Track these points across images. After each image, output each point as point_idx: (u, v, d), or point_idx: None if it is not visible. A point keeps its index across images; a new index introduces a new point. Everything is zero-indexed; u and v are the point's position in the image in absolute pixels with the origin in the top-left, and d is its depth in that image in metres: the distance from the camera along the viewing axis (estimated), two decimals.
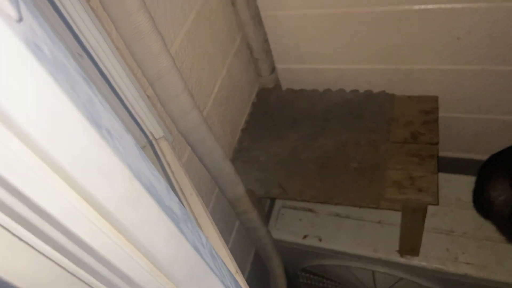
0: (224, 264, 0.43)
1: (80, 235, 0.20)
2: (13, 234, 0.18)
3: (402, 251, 1.18)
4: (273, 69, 1.34)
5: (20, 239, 0.19)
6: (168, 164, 0.84)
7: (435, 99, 1.16)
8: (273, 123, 1.27)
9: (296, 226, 1.37)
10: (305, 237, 1.33)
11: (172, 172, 0.82)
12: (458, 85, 1.18)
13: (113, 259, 0.22)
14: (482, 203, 1.10)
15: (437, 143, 1.06)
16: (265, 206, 1.50)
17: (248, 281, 1.48)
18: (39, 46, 0.16)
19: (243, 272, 1.40)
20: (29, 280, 0.20)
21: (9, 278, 0.19)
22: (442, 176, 1.27)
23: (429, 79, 1.19)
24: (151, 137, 0.91)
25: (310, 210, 1.39)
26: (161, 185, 0.27)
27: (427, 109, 1.15)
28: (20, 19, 0.16)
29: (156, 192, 0.25)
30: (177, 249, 0.27)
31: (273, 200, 1.50)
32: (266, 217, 1.43)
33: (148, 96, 0.86)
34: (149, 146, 0.89)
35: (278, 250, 1.34)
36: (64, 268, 0.21)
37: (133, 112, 0.86)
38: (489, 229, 1.13)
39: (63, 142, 0.17)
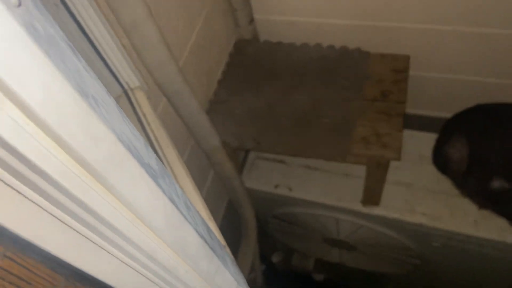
0: (198, 213, 0.47)
1: (72, 191, 0.23)
2: (13, 189, 0.21)
3: (364, 201, 1.27)
4: (251, 20, 1.33)
5: (21, 193, 0.21)
6: (144, 115, 0.86)
7: (406, 58, 1.19)
8: (250, 76, 1.28)
9: (268, 176, 1.43)
10: (276, 186, 1.40)
11: (148, 123, 0.84)
12: (430, 45, 1.21)
13: (100, 210, 0.25)
14: (440, 159, 1.18)
15: (404, 102, 1.11)
16: (239, 157, 1.55)
17: (222, 226, 1.56)
18: (34, 25, 0.18)
19: (216, 218, 1.47)
20: (30, 228, 0.23)
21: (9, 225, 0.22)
22: (408, 132, 1.34)
23: (403, 38, 1.21)
24: (126, 87, 0.91)
25: (282, 162, 1.45)
26: (140, 143, 0.30)
27: (399, 68, 1.19)
28: (19, 4, 0.17)
29: (137, 151, 0.27)
30: (156, 202, 0.30)
31: (247, 151, 1.55)
32: (240, 167, 1.48)
33: (123, 46, 0.85)
34: (125, 96, 0.90)
35: (250, 198, 1.41)
36: (61, 221, 0.24)
37: (108, 61, 0.86)
38: (445, 183, 1.22)
39: (58, 112, 0.20)
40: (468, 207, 1.19)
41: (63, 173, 0.21)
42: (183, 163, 0.77)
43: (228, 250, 0.67)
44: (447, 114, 1.27)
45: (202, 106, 1.18)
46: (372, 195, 1.25)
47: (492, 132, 1.07)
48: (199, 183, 1.29)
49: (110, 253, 0.30)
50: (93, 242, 0.28)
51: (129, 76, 0.91)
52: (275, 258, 2.09)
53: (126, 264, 0.32)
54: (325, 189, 1.34)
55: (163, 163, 0.77)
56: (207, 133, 1.06)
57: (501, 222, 1.16)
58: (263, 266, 1.90)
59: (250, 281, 1.88)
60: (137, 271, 0.34)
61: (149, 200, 0.29)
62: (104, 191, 0.25)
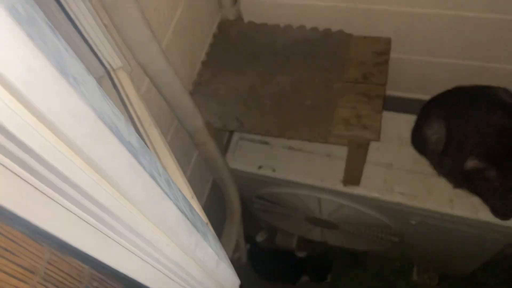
0: (180, 190, 0.48)
1: (55, 165, 0.24)
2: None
3: (345, 181, 1.30)
4: (235, 0, 1.32)
5: (5, 166, 0.23)
6: (127, 95, 0.86)
7: (388, 41, 1.21)
8: (233, 57, 1.29)
9: (252, 157, 1.45)
10: (260, 167, 1.42)
11: (131, 103, 0.84)
12: (412, 27, 1.23)
13: (81, 183, 0.27)
14: (418, 140, 1.22)
15: (384, 84, 1.13)
16: (223, 138, 1.56)
17: (206, 206, 1.59)
18: (16, 8, 0.19)
19: (201, 198, 1.49)
20: (14, 201, 0.25)
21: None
22: (388, 114, 1.37)
23: (385, 20, 1.22)
24: (108, 67, 0.91)
25: (266, 143, 1.47)
26: (121, 122, 0.31)
27: (380, 50, 1.20)
28: None
29: (117, 129, 0.28)
30: (136, 178, 0.31)
31: (231, 132, 1.56)
32: (224, 148, 1.50)
33: (105, 25, 0.85)
34: (107, 76, 0.90)
35: (235, 178, 1.43)
36: (43, 193, 0.26)
37: (90, 41, 0.85)
38: (423, 164, 1.27)
39: (39, 90, 0.21)
40: (444, 186, 1.23)
41: (44, 147, 0.23)
42: (165, 142, 0.78)
43: (210, 227, 0.70)
44: (427, 97, 1.30)
45: (186, 87, 1.18)
46: (352, 175, 1.28)
47: (468, 114, 1.11)
48: (183, 164, 1.30)
49: (92, 226, 0.31)
50: (75, 214, 0.29)
51: (111, 57, 0.91)
52: (259, 238, 2.13)
53: (108, 237, 0.33)
54: (307, 170, 1.37)
55: (145, 142, 0.78)
56: (190, 113, 1.07)
57: (475, 200, 1.21)
58: (248, 245, 1.94)
59: (235, 260, 1.93)
60: (119, 243, 0.35)
61: (129, 175, 0.30)
62: (85, 166, 0.26)
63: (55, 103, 0.22)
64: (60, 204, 0.27)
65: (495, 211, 1.18)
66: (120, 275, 0.46)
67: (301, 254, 2.00)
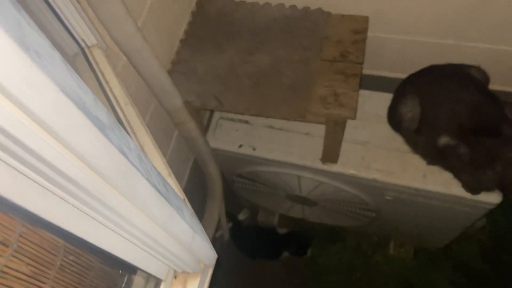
0: (153, 167, 0.49)
1: (18, 137, 0.25)
2: None
3: (324, 159, 1.33)
4: None
5: None
6: (102, 73, 0.85)
7: (365, 20, 1.22)
8: (212, 35, 1.28)
9: (232, 136, 1.46)
10: (240, 146, 1.44)
11: (106, 81, 0.84)
12: (389, 6, 1.24)
13: (49, 158, 0.27)
14: (394, 118, 1.24)
15: (361, 63, 1.15)
16: (204, 118, 1.56)
17: (188, 185, 1.60)
18: None
19: (182, 177, 1.50)
20: None
21: None
22: (365, 92, 1.39)
23: None
24: (83, 45, 0.90)
25: (246, 122, 1.47)
26: (88, 96, 0.31)
27: (358, 29, 1.21)
28: None
29: (83, 103, 0.29)
30: (103, 151, 0.32)
31: (211, 112, 1.56)
32: (205, 128, 1.50)
33: (78, 1, 0.83)
34: (82, 54, 0.89)
35: (216, 158, 1.44)
36: (11, 166, 0.26)
37: (63, 18, 0.84)
38: (399, 141, 1.30)
39: (1, 64, 0.21)
40: (418, 162, 1.27)
41: (5, 118, 0.23)
42: (142, 121, 0.78)
43: (187, 203, 0.71)
44: (404, 75, 1.32)
45: (164, 66, 1.17)
46: (330, 153, 1.31)
47: (441, 92, 1.13)
48: (164, 143, 1.30)
49: (61, 198, 0.32)
50: (42, 186, 0.30)
51: (85, 34, 0.89)
52: (241, 216, 2.16)
53: (78, 209, 0.34)
54: (287, 148, 1.39)
55: (121, 120, 0.78)
56: (169, 92, 1.07)
57: (447, 176, 1.25)
58: (230, 223, 1.97)
59: (217, 238, 1.96)
60: (90, 216, 0.36)
61: (96, 149, 0.31)
62: (49, 137, 0.27)
63: (13, 75, 0.22)
64: (27, 177, 0.28)
65: (466, 186, 1.22)
66: (96, 249, 0.47)
67: (282, 231, 2.04)
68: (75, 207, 0.34)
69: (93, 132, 0.30)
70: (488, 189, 1.19)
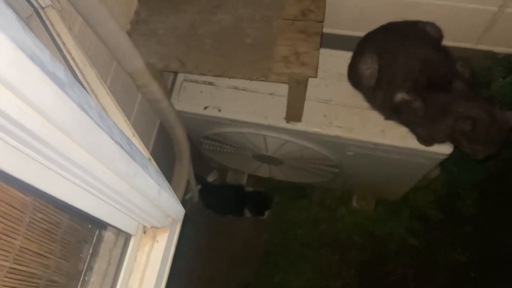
0: (115, 124, 0.50)
1: None
2: None
3: (288, 118, 1.37)
4: None
5: None
6: (58, 34, 0.83)
7: None
8: None
9: (197, 98, 1.46)
10: (205, 108, 1.44)
11: (63, 42, 0.82)
12: None
13: (11, 113, 0.28)
14: (353, 75, 1.28)
15: (322, 21, 1.16)
16: (168, 80, 1.55)
17: (155, 148, 1.60)
18: None
19: (148, 140, 1.50)
20: None
21: None
22: (327, 51, 1.42)
23: None
24: (36, 5, 0.86)
25: (211, 84, 1.48)
26: (44, 54, 0.32)
27: None
28: None
29: (40, 60, 0.30)
30: (63, 107, 0.33)
31: (175, 74, 1.55)
32: (169, 90, 1.49)
33: None
34: (36, 15, 0.85)
35: (181, 120, 1.45)
36: None
37: None
38: (359, 98, 1.35)
39: None
40: (376, 118, 1.33)
41: None
42: (102, 82, 0.78)
43: (153, 162, 0.73)
44: (364, 33, 1.35)
45: (123, 27, 1.14)
46: (294, 112, 1.35)
47: (398, 49, 1.17)
48: (127, 106, 1.29)
49: (24, 153, 0.33)
50: (6, 142, 0.31)
51: None
52: (211, 178, 2.20)
53: (43, 165, 0.36)
54: (252, 109, 1.41)
55: (80, 81, 0.77)
56: (129, 54, 1.05)
57: (404, 130, 1.32)
58: (199, 186, 2.00)
59: (188, 201, 2.00)
60: (55, 171, 0.38)
61: (56, 104, 0.32)
62: (8, 92, 0.28)
63: None
64: None
65: (421, 139, 1.30)
66: (65, 205, 0.49)
67: (248, 189, 2.10)
68: (40, 163, 0.35)
69: (52, 88, 0.31)
70: (440, 141, 1.27)
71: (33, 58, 0.28)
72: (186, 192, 1.92)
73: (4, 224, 0.43)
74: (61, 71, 0.35)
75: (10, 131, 0.30)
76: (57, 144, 0.35)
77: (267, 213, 2.05)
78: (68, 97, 0.33)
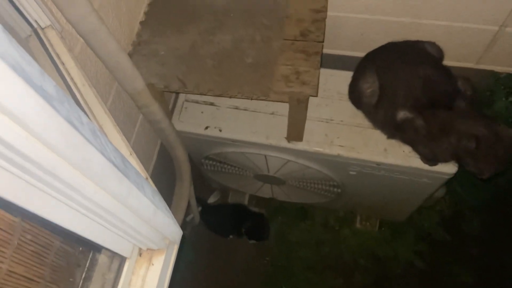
0: (110, 142, 0.49)
1: None
2: None
3: (289, 138, 1.35)
4: None
5: None
6: (58, 55, 0.83)
7: None
8: (173, 16, 1.26)
9: (198, 118, 1.45)
10: (206, 128, 1.44)
11: (62, 62, 0.82)
12: None
13: None
14: (355, 94, 1.28)
15: (322, 41, 1.17)
16: (169, 101, 1.55)
17: (155, 169, 1.58)
18: None
19: (149, 161, 1.49)
20: None
21: None
22: (327, 71, 1.42)
23: None
24: (36, 26, 0.87)
25: (212, 104, 1.47)
26: (32, 67, 0.31)
27: (318, 7, 1.23)
28: None
29: (24, 72, 0.29)
30: (49, 121, 0.32)
31: (176, 95, 1.55)
32: (170, 111, 1.49)
33: None
34: (35, 35, 0.86)
35: (182, 141, 1.44)
36: None
37: None
38: (360, 117, 1.34)
39: None
40: (378, 137, 1.31)
41: None
42: (101, 101, 0.77)
43: (150, 181, 0.71)
44: (364, 54, 1.35)
45: (125, 49, 1.15)
46: (295, 131, 1.33)
47: (398, 68, 1.17)
48: (128, 127, 1.29)
49: (10, 172, 0.32)
50: None
51: (38, 14, 0.87)
52: (212, 199, 2.17)
53: (29, 183, 0.34)
54: (253, 128, 1.40)
55: (79, 101, 0.76)
56: (129, 74, 1.05)
57: (407, 149, 1.30)
58: (200, 207, 1.98)
59: (189, 222, 1.97)
60: (43, 190, 0.36)
61: (41, 118, 0.31)
62: None
63: None
64: None
65: (424, 158, 1.28)
66: (56, 227, 0.47)
67: (252, 209, 2.06)
68: (24, 180, 0.34)
69: (37, 101, 0.30)
70: (444, 160, 1.25)
71: (15, 68, 0.27)
72: (187, 214, 1.90)
73: None
74: (50, 86, 0.34)
75: None
76: (43, 160, 0.33)
77: (252, 242, 2.00)
78: (56, 111, 0.32)
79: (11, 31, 0.84)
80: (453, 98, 1.16)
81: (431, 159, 1.28)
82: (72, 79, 0.79)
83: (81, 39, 0.98)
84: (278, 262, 2.03)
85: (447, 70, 1.19)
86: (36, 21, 0.87)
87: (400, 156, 1.31)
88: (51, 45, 0.85)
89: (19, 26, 0.86)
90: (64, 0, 0.83)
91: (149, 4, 1.29)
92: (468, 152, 1.07)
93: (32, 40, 0.86)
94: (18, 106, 0.28)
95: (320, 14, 1.22)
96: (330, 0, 1.26)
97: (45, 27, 0.88)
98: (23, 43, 0.85)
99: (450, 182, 1.43)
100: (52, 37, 0.87)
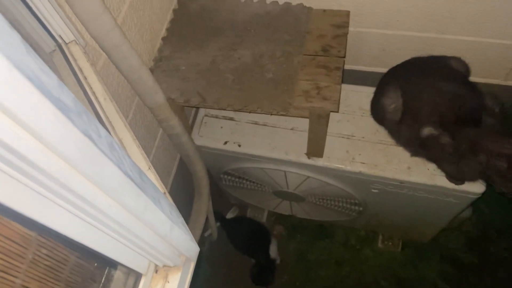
0: (128, 156, 0.48)
1: None
2: None
3: (309, 154, 1.33)
4: None
5: None
6: (80, 69, 0.84)
7: (347, 14, 1.22)
8: (194, 32, 1.27)
9: (218, 133, 1.45)
10: (226, 143, 1.43)
11: (85, 77, 0.83)
12: (370, 1, 1.25)
13: (4, 137, 0.27)
14: (377, 110, 1.25)
15: (343, 56, 1.15)
16: (189, 116, 1.55)
17: (174, 184, 1.58)
18: None
19: (168, 176, 1.49)
20: None
21: None
22: (349, 87, 1.40)
23: None
24: (60, 41, 0.88)
25: (231, 119, 1.47)
26: (50, 79, 0.31)
27: (339, 23, 1.22)
28: None
29: (41, 83, 0.28)
30: (66, 133, 0.31)
31: (196, 109, 1.55)
32: (190, 126, 1.49)
33: None
34: (59, 50, 0.87)
35: (201, 155, 1.43)
36: None
37: (38, 13, 0.82)
38: (382, 134, 1.31)
39: None
40: (402, 154, 1.28)
41: None
42: (121, 115, 0.78)
43: (168, 196, 0.70)
44: (386, 69, 1.33)
45: (146, 64, 1.16)
46: (315, 147, 1.31)
47: (423, 83, 1.14)
48: (148, 141, 1.29)
49: (24, 184, 0.31)
50: (3, 171, 0.29)
51: (62, 30, 0.88)
52: (230, 214, 2.15)
53: (44, 196, 0.33)
54: (272, 144, 1.39)
55: (100, 115, 0.77)
56: (150, 89, 1.06)
57: (431, 167, 1.26)
58: (218, 223, 1.95)
59: (206, 238, 1.95)
60: (57, 204, 0.36)
61: (58, 131, 0.30)
62: (2, 115, 0.26)
63: None
64: None
65: (450, 176, 1.23)
66: (72, 242, 0.46)
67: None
68: (40, 194, 0.33)
69: (54, 112, 0.29)
70: (472, 179, 1.20)
71: (32, 79, 0.27)
72: (205, 229, 1.88)
73: (4, 260, 0.40)
74: (68, 98, 0.33)
75: (4, 157, 0.28)
76: (57, 173, 0.33)
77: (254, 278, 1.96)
78: (72, 123, 0.31)
79: (36, 46, 0.86)
80: (480, 115, 1.12)
81: (457, 178, 1.23)
82: (93, 93, 0.80)
83: (104, 54, 0.99)
84: (296, 281, 1.98)
85: (473, 86, 1.16)
86: (60, 36, 0.89)
87: (425, 174, 1.27)
88: (75, 60, 0.86)
89: (44, 41, 0.88)
90: (88, 15, 0.84)
91: (171, 21, 1.30)
92: (498, 171, 1.02)
93: (56, 55, 0.88)
94: (33, 117, 0.28)
95: (341, 30, 1.21)
96: (351, 15, 1.25)
97: (69, 42, 0.90)
98: (47, 57, 0.87)
99: (477, 202, 1.37)
100: (76, 51, 0.89)
